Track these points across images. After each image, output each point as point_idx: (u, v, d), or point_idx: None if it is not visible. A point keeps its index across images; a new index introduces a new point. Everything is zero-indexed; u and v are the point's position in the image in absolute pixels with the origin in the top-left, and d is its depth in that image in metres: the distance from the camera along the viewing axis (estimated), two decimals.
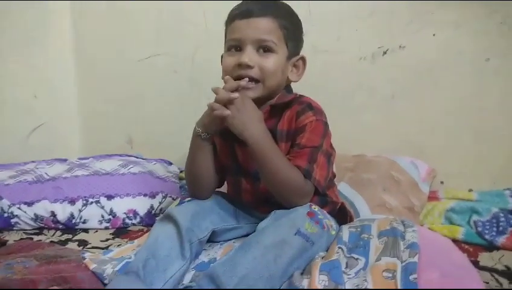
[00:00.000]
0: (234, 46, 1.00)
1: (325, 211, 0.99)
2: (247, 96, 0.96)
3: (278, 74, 1.01)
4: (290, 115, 1.01)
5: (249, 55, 0.97)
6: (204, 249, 0.99)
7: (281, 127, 1.01)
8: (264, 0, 1.02)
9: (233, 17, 1.00)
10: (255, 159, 0.96)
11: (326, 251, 0.91)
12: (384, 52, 1.47)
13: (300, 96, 1.06)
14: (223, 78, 1.02)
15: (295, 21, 1.05)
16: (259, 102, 1.01)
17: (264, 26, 0.97)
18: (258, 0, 1.02)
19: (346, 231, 0.98)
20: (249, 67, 0.97)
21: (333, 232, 0.95)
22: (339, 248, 0.89)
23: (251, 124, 0.94)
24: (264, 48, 0.98)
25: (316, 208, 0.95)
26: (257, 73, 0.98)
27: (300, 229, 0.86)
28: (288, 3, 1.07)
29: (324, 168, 0.98)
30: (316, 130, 0.98)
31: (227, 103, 0.93)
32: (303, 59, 1.07)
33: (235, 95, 0.93)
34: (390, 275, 0.77)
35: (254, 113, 0.96)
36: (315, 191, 0.98)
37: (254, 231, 0.90)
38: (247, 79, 0.97)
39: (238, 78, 0.98)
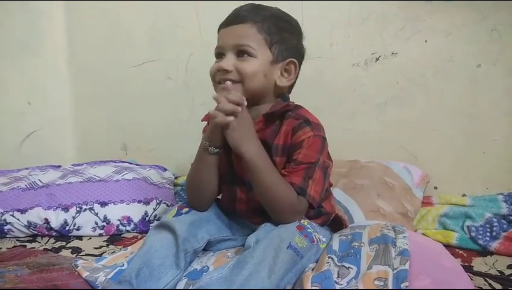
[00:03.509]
0: (219, 53, 1.03)
1: (314, 224, 0.99)
2: (246, 111, 0.96)
3: (259, 76, 1.00)
4: (287, 130, 1.00)
5: (227, 61, 0.99)
6: (197, 257, 0.99)
7: (276, 142, 1.00)
8: (253, 6, 1.03)
9: (220, 26, 1.04)
10: (249, 174, 0.96)
11: (316, 261, 0.91)
12: (377, 59, 1.48)
13: (296, 106, 1.05)
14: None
15: (285, 26, 1.03)
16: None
17: (240, 32, 0.99)
18: (248, 5, 1.03)
19: (336, 239, 0.98)
20: (226, 71, 0.99)
21: (322, 246, 0.96)
22: (329, 257, 0.89)
23: (248, 140, 0.94)
24: (242, 52, 0.99)
25: (305, 222, 0.96)
26: (235, 76, 0.99)
27: (291, 242, 0.86)
28: (281, 9, 1.07)
29: (320, 183, 0.98)
30: (313, 146, 0.97)
31: (229, 114, 0.92)
32: (293, 63, 1.04)
33: (239, 108, 0.92)
34: (382, 283, 0.77)
35: (251, 129, 0.96)
36: (310, 205, 0.97)
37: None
38: (229, 82, 0.97)
39: (220, 82, 1.00)
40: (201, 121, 1.11)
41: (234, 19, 1.01)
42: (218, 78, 1.00)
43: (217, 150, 1.00)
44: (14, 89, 1.71)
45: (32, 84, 1.77)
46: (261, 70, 1.00)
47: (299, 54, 1.07)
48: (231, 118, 0.92)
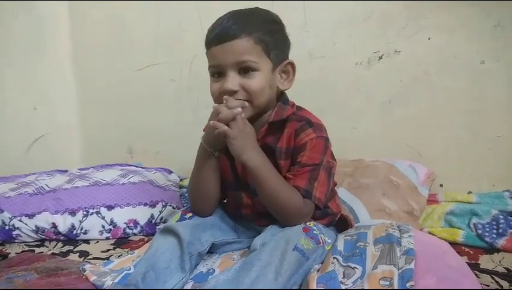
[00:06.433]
0: (216, 72, 0.97)
1: (320, 225, 0.99)
2: (245, 120, 0.95)
3: (266, 90, 0.97)
4: (289, 133, 1.00)
5: (231, 81, 0.94)
6: (203, 259, 0.99)
7: (280, 145, 1.00)
8: (237, 15, 0.97)
9: (209, 43, 0.97)
10: (253, 182, 0.97)
11: (321, 263, 0.91)
12: (380, 57, 1.48)
13: (298, 108, 1.05)
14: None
15: (274, 28, 0.99)
16: (251, 120, 0.98)
17: (239, 48, 0.93)
18: (231, 15, 0.97)
19: (341, 239, 0.98)
20: (233, 92, 0.95)
21: (327, 247, 0.95)
22: (334, 258, 0.89)
23: (249, 148, 0.93)
24: (246, 69, 0.94)
25: (311, 223, 0.96)
26: (243, 95, 0.95)
27: (297, 244, 0.86)
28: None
29: (324, 184, 0.98)
30: (317, 148, 0.97)
31: (230, 121, 0.92)
32: (291, 64, 1.01)
33: (239, 110, 0.92)
34: (387, 283, 0.77)
35: (252, 136, 0.95)
36: (316, 207, 0.97)
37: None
38: (239, 110, 0.93)
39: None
40: (203, 131, 1.10)
41: (226, 34, 0.93)
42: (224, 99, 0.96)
43: (217, 152, 1.00)
44: (20, 94, 1.73)
45: (38, 89, 1.78)
46: (266, 83, 0.97)
47: (288, 48, 1.04)
48: (229, 129, 0.92)
